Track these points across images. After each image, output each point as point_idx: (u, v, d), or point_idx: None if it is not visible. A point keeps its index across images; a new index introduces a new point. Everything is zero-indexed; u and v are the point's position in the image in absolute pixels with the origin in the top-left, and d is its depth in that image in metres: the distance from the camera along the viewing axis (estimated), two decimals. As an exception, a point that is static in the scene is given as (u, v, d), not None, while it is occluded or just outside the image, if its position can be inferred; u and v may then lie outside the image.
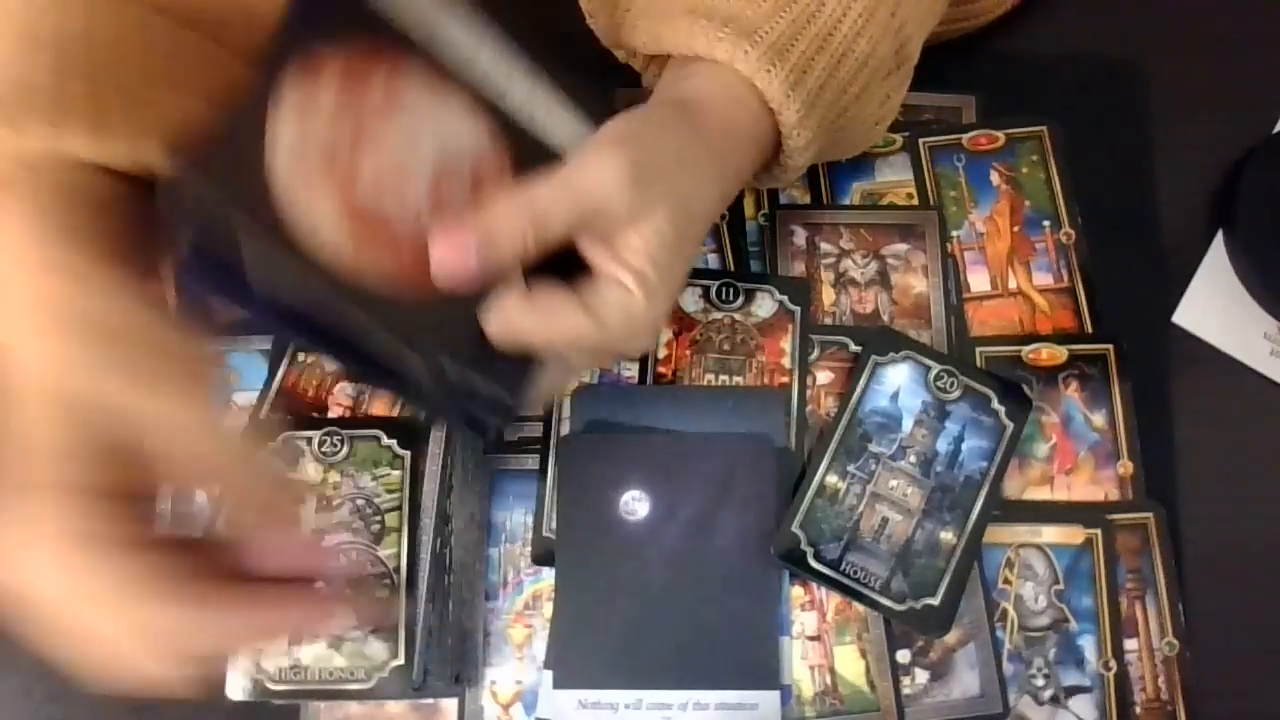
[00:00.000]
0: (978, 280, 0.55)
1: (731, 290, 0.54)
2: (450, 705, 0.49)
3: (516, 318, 0.37)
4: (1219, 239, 0.56)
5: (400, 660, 0.47)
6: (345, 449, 0.50)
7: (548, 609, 0.50)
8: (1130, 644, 0.50)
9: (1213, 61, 0.59)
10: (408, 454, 0.50)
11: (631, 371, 0.52)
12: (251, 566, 0.33)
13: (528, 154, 0.37)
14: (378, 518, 0.49)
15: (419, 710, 0.49)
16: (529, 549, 0.51)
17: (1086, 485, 0.52)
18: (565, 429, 0.51)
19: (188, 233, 0.36)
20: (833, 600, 0.50)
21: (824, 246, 0.55)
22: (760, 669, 0.48)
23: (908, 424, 0.51)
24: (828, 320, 0.54)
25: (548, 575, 0.50)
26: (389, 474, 0.50)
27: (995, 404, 0.52)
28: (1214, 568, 0.52)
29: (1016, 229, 0.56)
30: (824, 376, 0.53)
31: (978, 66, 0.59)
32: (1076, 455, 0.53)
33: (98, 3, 0.36)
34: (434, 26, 0.37)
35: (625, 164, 0.36)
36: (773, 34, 0.41)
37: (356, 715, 0.49)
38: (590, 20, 0.50)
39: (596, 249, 0.38)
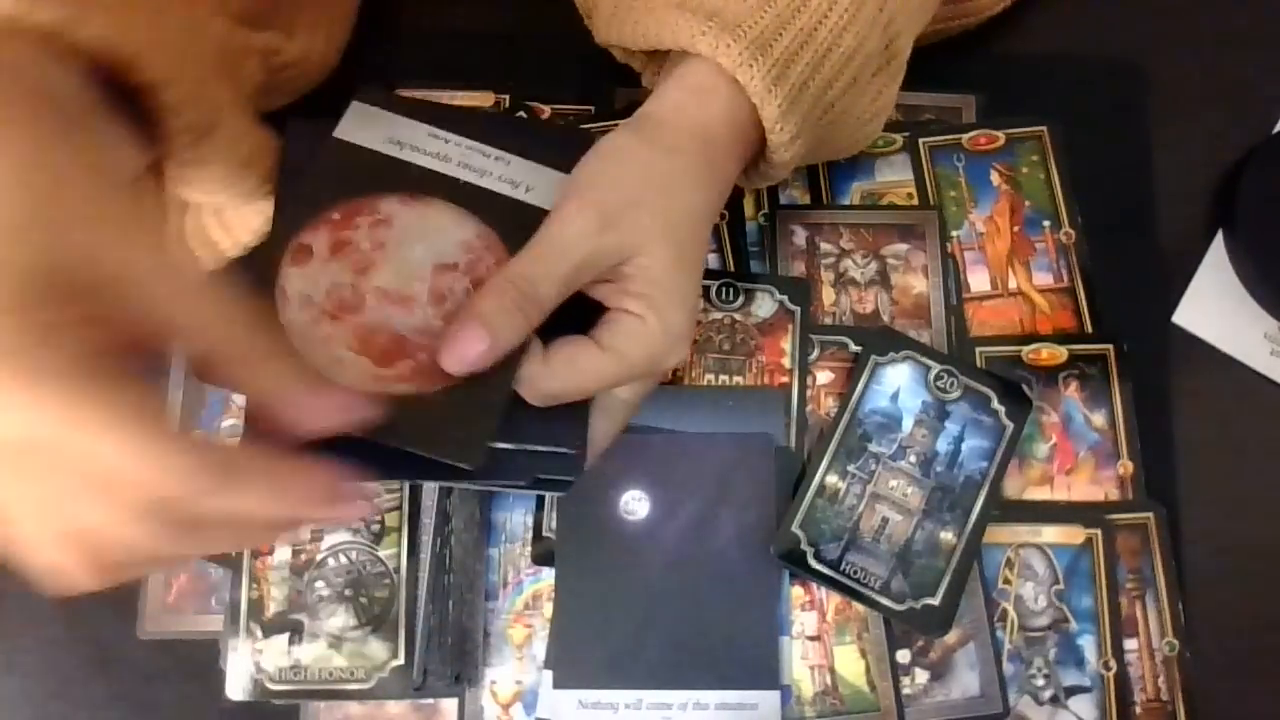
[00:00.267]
0: (978, 280, 0.55)
1: (731, 290, 0.54)
2: (450, 705, 0.49)
3: (542, 382, 0.38)
4: (1219, 239, 0.56)
5: (400, 660, 0.47)
6: (345, 449, 0.50)
7: (548, 609, 0.50)
8: (1130, 644, 0.50)
9: (1213, 61, 0.59)
10: (408, 454, 0.50)
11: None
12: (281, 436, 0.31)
13: (523, 223, 0.39)
14: (377, 517, 0.49)
15: (419, 710, 0.49)
16: (529, 549, 0.51)
17: (1086, 485, 0.52)
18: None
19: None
20: (833, 600, 0.50)
21: (824, 246, 0.55)
22: (760, 669, 0.48)
23: (908, 424, 0.51)
24: (828, 320, 0.54)
25: (548, 575, 0.50)
26: (389, 474, 0.50)
27: (995, 404, 0.52)
28: (1214, 568, 0.52)
29: (1016, 229, 0.56)
30: (824, 376, 0.53)
31: (978, 66, 0.59)
32: (1076, 455, 0.53)
33: None
34: (405, 142, 0.42)
35: (590, 215, 0.38)
36: (756, 28, 0.41)
37: (356, 715, 0.49)
38: (586, 20, 0.50)
39: (599, 289, 0.39)
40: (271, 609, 0.48)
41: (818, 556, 0.49)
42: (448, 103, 0.56)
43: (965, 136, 0.57)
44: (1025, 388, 0.52)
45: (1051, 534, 0.51)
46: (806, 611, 0.50)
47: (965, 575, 0.49)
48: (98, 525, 0.29)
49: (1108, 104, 0.59)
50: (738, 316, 0.54)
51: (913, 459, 0.51)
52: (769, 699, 0.48)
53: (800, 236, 0.56)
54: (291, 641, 0.48)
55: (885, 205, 0.56)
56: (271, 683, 0.47)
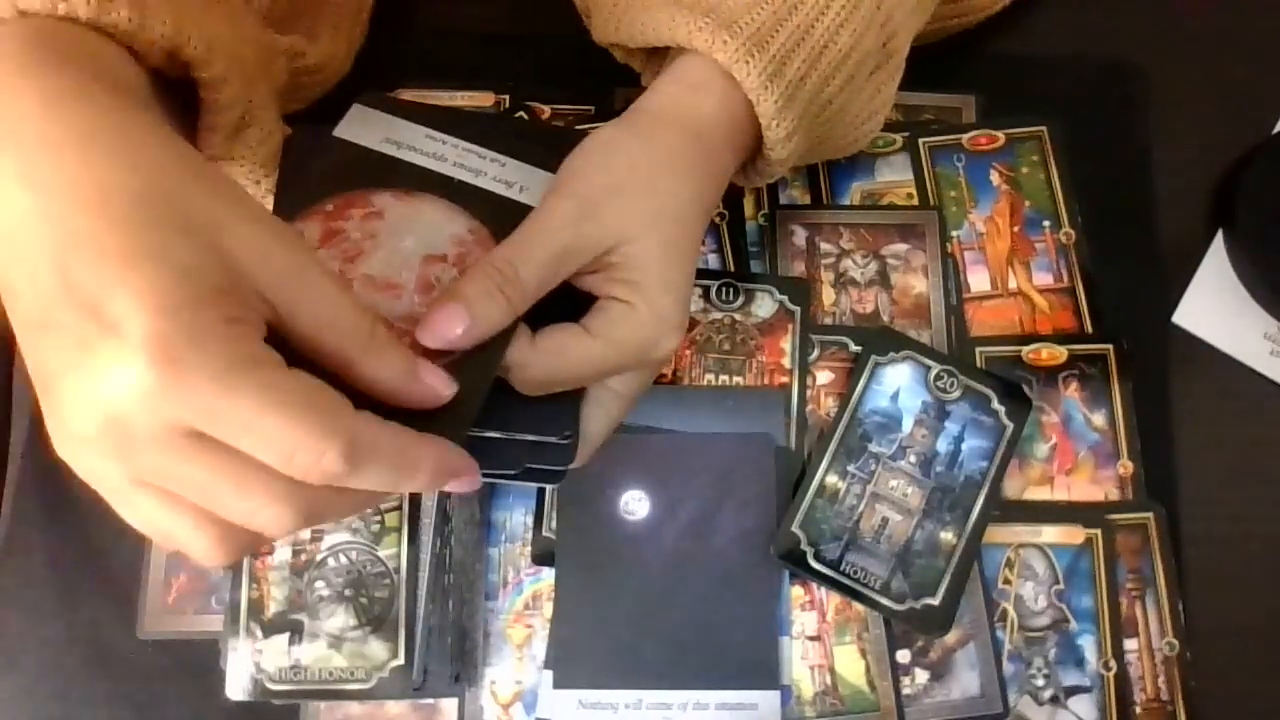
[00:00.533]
0: (978, 280, 0.55)
1: (731, 290, 0.54)
2: (450, 705, 0.49)
3: (531, 368, 0.38)
4: (1219, 239, 0.56)
5: (400, 660, 0.47)
6: (345, 449, 0.50)
7: (548, 609, 0.50)
8: (1130, 644, 0.50)
9: (1213, 61, 0.59)
10: (408, 454, 0.50)
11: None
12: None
13: (515, 221, 0.39)
14: (377, 517, 0.49)
15: (419, 710, 0.49)
16: (529, 549, 0.51)
17: (1086, 485, 0.52)
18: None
19: None
20: (833, 600, 0.50)
21: (824, 246, 0.55)
22: (760, 669, 0.48)
23: (908, 424, 0.51)
24: (828, 320, 0.54)
25: (548, 575, 0.50)
26: (389, 474, 0.50)
27: (995, 404, 0.52)
28: (1214, 568, 0.52)
29: (1016, 229, 0.56)
30: (824, 376, 0.53)
31: (978, 66, 0.59)
32: (1076, 455, 0.53)
33: None
34: (403, 142, 0.42)
35: (571, 203, 0.38)
36: (752, 25, 0.41)
37: (356, 715, 0.49)
38: (586, 20, 0.50)
39: (588, 279, 0.39)
40: (271, 609, 0.48)
41: (818, 556, 0.49)
42: (447, 104, 0.56)
43: (965, 136, 0.57)
44: (1025, 388, 0.52)
45: (1051, 534, 0.51)
46: (806, 611, 0.50)
47: (965, 575, 0.49)
48: (247, 510, 0.30)
49: (1108, 104, 0.59)
50: (738, 316, 0.54)
51: (913, 459, 0.51)
52: (769, 699, 0.48)
53: (800, 236, 0.56)
54: (291, 641, 0.48)
55: (885, 205, 0.56)
56: (271, 683, 0.47)
